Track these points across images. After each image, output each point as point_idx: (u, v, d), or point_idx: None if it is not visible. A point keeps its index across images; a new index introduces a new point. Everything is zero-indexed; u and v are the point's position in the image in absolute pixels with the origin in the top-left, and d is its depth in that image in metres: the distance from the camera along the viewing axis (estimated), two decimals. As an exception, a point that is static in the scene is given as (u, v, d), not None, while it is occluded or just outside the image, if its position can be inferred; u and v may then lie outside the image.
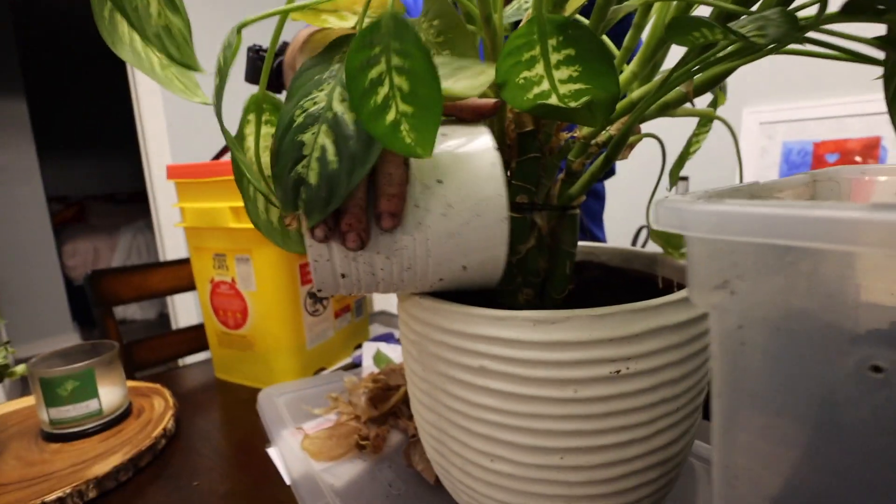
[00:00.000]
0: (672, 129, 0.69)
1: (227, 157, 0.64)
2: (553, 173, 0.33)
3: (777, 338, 0.13)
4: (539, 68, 0.23)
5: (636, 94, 0.32)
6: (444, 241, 0.27)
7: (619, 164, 0.91)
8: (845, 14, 0.19)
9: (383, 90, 0.22)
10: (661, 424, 0.27)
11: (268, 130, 0.33)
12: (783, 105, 1.16)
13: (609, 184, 0.97)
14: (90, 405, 0.48)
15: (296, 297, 0.61)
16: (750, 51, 0.28)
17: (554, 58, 0.23)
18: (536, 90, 0.22)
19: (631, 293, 0.37)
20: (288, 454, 0.43)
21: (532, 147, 0.33)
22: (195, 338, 0.87)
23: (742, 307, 0.13)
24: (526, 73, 0.23)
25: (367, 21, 0.26)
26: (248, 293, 0.60)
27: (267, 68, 0.29)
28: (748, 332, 0.13)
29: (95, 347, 0.53)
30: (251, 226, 0.57)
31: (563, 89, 0.21)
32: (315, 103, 0.26)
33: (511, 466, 0.28)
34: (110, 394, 0.50)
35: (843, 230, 0.11)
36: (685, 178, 1.25)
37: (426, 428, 0.33)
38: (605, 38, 0.37)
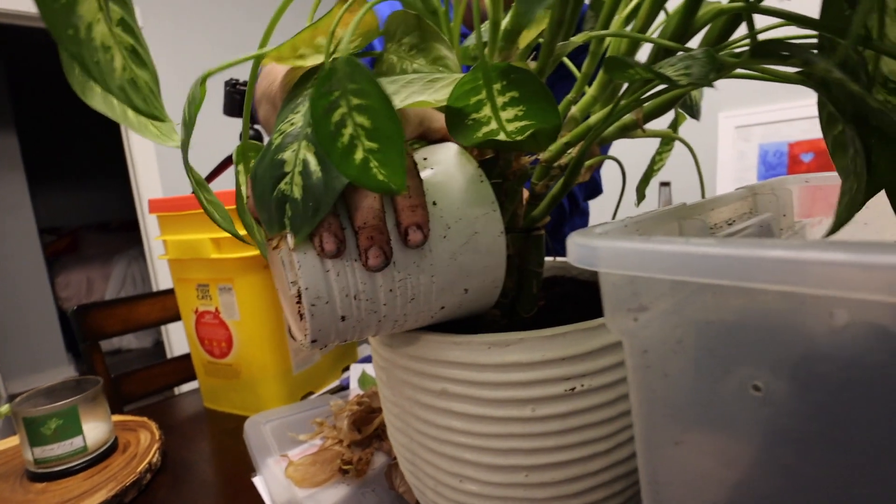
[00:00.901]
0: (645, 147, 0.71)
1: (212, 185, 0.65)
2: (515, 197, 0.35)
3: (674, 361, 0.14)
4: (486, 110, 0.25)
5: (594, 118, 0.33)
6: (447, 265, 0.26)
7: (606, 183, 0.93)
8: (754, 58, 0.21)
9: (347, 131, 0.23)
10: (622, 437, 0.28)
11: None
12: (757, 108, 1.19)
13: (596, 202, 0.99)
14: (75, 442, 0.49)
15: (280, 324, 0.62)
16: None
17: (500, 100, 0.24)
18: (486, 129, 0.23)
19: (600, 307, 0.39)
20: (272, 482, 0.44)
21: (493, 173, 0.34)
22: (185, 368, 0.87)
23: (645, 333, 0.14)
24: (475, 115, 0.25)
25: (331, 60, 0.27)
26: (232, 322, 0.61)
27: (246, 120, 0.30)
28: (651, 356, 0.14)
29: (80, 384, 0.53)
30: (233, 256, 0.58)
31: (510, 127, 0.23)
32: (292, 124, 0.26)
33: (479, 486, 0.28)
34: (95, 430, 0.50)
35: (727, 266, 0.12)
36: (667, 184, 1.27)
37: (401, 451, 0.34)
38: (566, 59, 0.39)
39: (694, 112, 0.42)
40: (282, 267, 0.25)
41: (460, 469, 0.28)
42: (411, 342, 0.28)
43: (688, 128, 0.37)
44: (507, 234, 0.35)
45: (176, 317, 0.87)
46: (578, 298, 0.43)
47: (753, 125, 1.17)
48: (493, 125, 0.24)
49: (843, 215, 0.24)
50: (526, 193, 0.36)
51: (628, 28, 0.29)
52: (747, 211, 0.28)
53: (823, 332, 0.12)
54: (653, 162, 0.43)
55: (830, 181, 0.35)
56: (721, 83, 0.30)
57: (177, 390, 1.03)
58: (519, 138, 0.24)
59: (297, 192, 0.24)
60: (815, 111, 1.12)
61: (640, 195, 0.43)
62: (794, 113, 1.14)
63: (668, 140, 0.43)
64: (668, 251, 0.13)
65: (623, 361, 0.27)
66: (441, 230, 0.26)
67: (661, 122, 0.35)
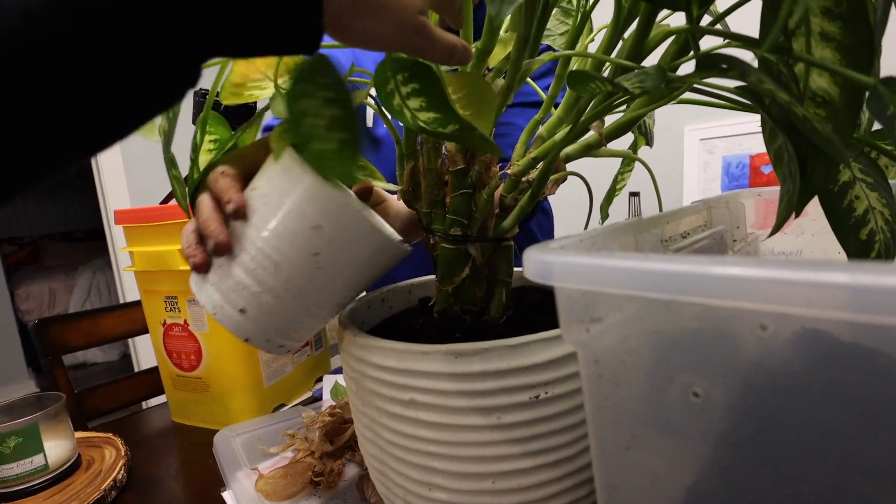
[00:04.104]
0: (611, 168, 0.73)
1: (174, 202, 0.65)
2: (485, 207, 0.36)
3: (624, 370, 0.14)
4: (397, 99, 0.26)
5: (559, 135, 0.34)
6: (279, 217, 0.29)
7: (562, 199, 0.96)
8: (699, 71, 0.22)
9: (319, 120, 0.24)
10: (586, 443, 0.29)
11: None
12: (721, 122, 1.24)
13: (567, 214, 1.02)
14: (35, 461, 0.47)
15: (251, 335, 0.61)
16: (652, 97, 0.31)
17: (403, 90, 0.25)
18: (402, 117, 0.24)
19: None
20: (242, 497, 0.43)
21: (464, 183, 0.35)
22: (153, 381, 0.85)
23: (597, 344, 0.15)
24: (394, 102, 0.26)
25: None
26: (201, 334, 0.60)
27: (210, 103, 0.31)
28: (603, 365, 0.15)
29: (41, 400, 0.52)
30: (201, 267, 0.57)
31: (421, 116, 0.24)
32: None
33: (448, 494, 0.29)
34: (57, 448, 0.49)
35: (673, 282, 0.13)
36: (637, 194, 1.31)
37: (371, 461, 0.34)
38: (532, 82, 0.40)
39: (648, 138, 0.45)
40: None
41: (429, 477, 0.29)
42: (379, 353, 0.29)
43: (657, 141, 0.39)
44: (476, 244, 0.36)
45: (143, 329, 0.85)
46: (546, 308, 0.44)
47: (717, 138, 1.22)
48: (407, 114, 0.25)
49: (782, 216, 0.25)
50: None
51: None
52: (702, 223, 0.29)
53: (754, 343, 0.13)
54: (615, 181, 0.45)
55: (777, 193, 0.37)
56: (686, 98, 0.32)
57: (144, 405, 1.00)
58: (441, 130, 0.24)
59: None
60: (773, 125, 1.18)
61: (604, 214, 0.45)
62: (754, 127, 1.19)
63: (627, 162, 0.45)
64: (616, 267, 0.14)
65: (585, 369, 0.28)
66: (262, 199, 0.30)
67: (623, 144, 0.37)
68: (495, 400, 0.26)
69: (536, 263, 0.16)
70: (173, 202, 0.66)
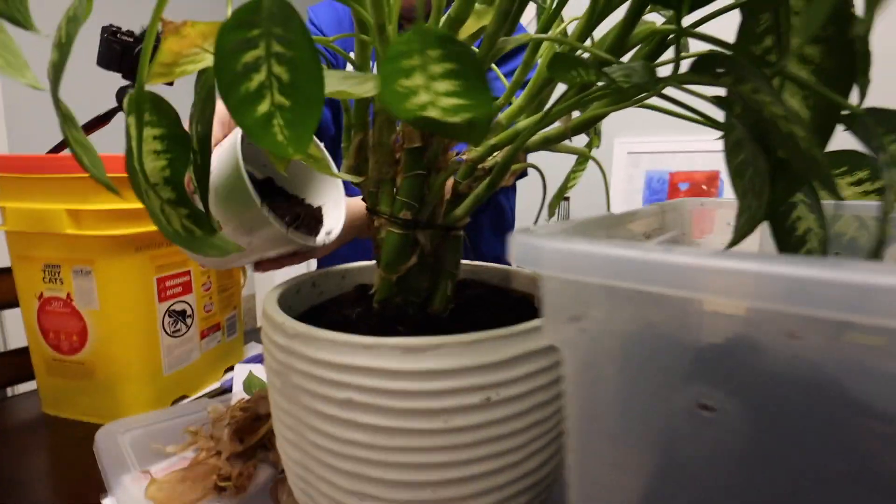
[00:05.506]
0: (560, 163, 0.74)
1: (67, 151, 0.55)
2: (439, 192, 0.33)
3: (622, 375, 0.13)
4: (418, 79, 0.22)
5: (521, 124, 0.32)
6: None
7: (521, 194, 0.97)
8: (693, 72, 0.21)
9: (258, 77, 0.20)
10: (533, 448, 0.27)
11: (151, 132, 0.26)
12: (647, 138, 1.31)
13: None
14: None
15: (151, 316, 0.53)
16: (618, 98, 0.30)
17: (434, 69, 0.22)
18: (416, 100, 0.21)
19: (509, 312, 0.38)
20: (127, 504, 0.37)
21: (419, 164, 0.32)
22: (22, 364, 0.72)
23: (588, 343, 0.13)
24: (405, 82, 0.22)
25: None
26: (88, 312, 0.51)
27: (147, 54, 0.24)
28: (593, 368, 0.13)
29: None
30: (95, 233, 0.49)
31: (443, 102, 0.21)
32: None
33: (381, 504, 0.26)
34: None
35: (685, 277, 0.11)
36: (567, 199, 1.35)
37: (292, 466, 0.30)
38: (495, 66, 0.38)
39: (599, 139, 0.45)
40: None
41: (361, 486, 0.26)
42: (313, 344, 0.25)
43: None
44: (424, 230, 0.33)
45: (13, 302, 0.72)
46: (489, 303, 0.42)
47: (643, 153, 1.29)
48: (424, 97, 0.22)
49: (743, 231, 0.25)
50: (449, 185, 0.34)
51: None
52: (658, 226, 0.29)
53: (778, 351, 0.11)
54: (567, 179, 0.45)
55: (720, 205, 0.38)
56: (620, 111, 0.31)
57: (10, 391, 0.85)
58: (452, 119, 0.22)
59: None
60: (694, 146, 1.27)
61: (552, 211, 0.44)
62: (677, 146, 1.28)
63: (581, 161, 0.45)
64: (622, 257, 0.12)
65: (538, 371, 0.26)
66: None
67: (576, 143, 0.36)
68: (443, 402, 0.24)
69: (525, 248, 0.14)
70: (67, 152, 0.56)
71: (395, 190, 0.33)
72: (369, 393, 0.24)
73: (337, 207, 0.47)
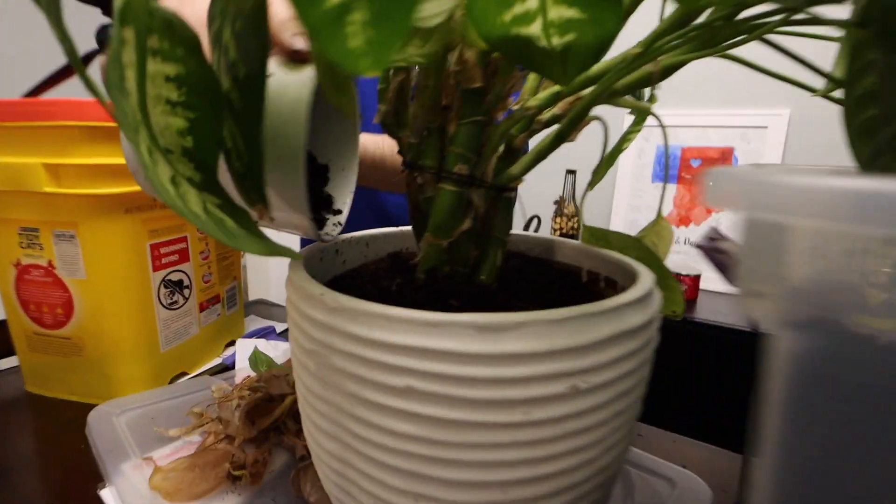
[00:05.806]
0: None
1: (48, 95, 0.48)
2: (498, 144, 0.28)
3: (861, 377, 0.09)
4: None
5: (596, 67, 0.27)
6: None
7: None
8: None
9: None
10: (610, 441, 0.23)
11: (161, 68, 0.17)
12: (659, 111, 1.26)
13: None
14: None
15: (145, 286, 0.48)
16: (710, 43, 0.25)
17: None
18: (517, 9, 0.16)
19: (556, 286, 0.34)
20: (130, 496, 0.33)
21: (478, 109, 0.27)
22: (1, 337, 0.67)
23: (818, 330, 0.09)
24: None
25: None
26: (73, 282, 0.46)
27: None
28: (822, 365, 0.09)
29: None
30: (79, 191, 0.43)
31: (553, 13, 0.16)
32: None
33: (439, 507, 0.22)
34: None
35: None
36: (573, 172, 1.31)
37: (325, 459, 0.26)
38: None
39: (656, 96, 0.40)
40: None
41: (416, 486, 0.22)
42: (363, 321, 0.21)
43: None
44: (474, 189, 0.28)
45: (-12, 271, 0.66)
46: (530, 276, 0.38)
47: (654, 126, 1.25)
48: (532, 4, 0.16)
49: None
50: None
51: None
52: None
53: None
54: (621, 140, 0.40)
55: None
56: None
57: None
58: (554, 41, 0.17)
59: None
60: (707, 121, 1.22)
61: (598, 179, 0.39)
62: (689, 121, 1.23)
63: (638, 119, 0.40)
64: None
65: (626, 354, 0.22)
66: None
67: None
68: (526, 391, 0.20)
69: (755, 186, 0.09)
70: (46, 96, 0.49)
71: (442, 140, 0.28)
72: (434, 380, 0.20)
73: (346, 172, 0.37)
